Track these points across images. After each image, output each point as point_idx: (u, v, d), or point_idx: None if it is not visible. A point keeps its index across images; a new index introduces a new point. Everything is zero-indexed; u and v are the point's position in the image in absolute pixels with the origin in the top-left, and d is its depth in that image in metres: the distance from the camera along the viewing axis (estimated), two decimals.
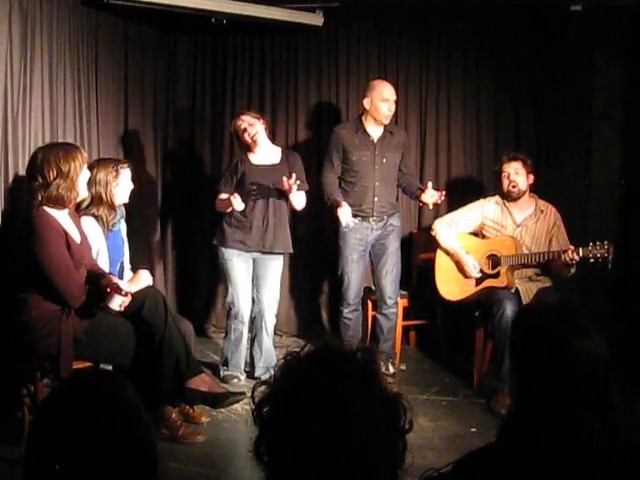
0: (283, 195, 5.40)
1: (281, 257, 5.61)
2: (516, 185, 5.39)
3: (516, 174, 5.39)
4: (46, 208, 4.00)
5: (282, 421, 1.47)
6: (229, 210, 5.33)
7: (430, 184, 5.49)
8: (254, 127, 5.40)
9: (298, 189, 5.31)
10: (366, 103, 5.57)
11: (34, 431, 1.60)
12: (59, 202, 4.03)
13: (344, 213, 5.40)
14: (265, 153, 5.49)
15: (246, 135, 5.39)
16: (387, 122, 5.61)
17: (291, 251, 5.69)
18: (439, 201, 5.47)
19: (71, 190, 4.05)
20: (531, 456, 1.83)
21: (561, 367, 1.90)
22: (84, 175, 4.15)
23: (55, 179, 3.99)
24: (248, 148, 5.46)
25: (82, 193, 4.19)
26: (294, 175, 5.22)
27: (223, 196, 5.42)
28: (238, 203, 5.19)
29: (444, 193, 5.45)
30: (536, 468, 1.82)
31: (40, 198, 3.99)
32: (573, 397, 1.87)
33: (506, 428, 1.96)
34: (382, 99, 5.53)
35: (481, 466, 1.90)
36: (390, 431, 1.48)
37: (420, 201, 5.58)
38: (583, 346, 1.91)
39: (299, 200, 5.42)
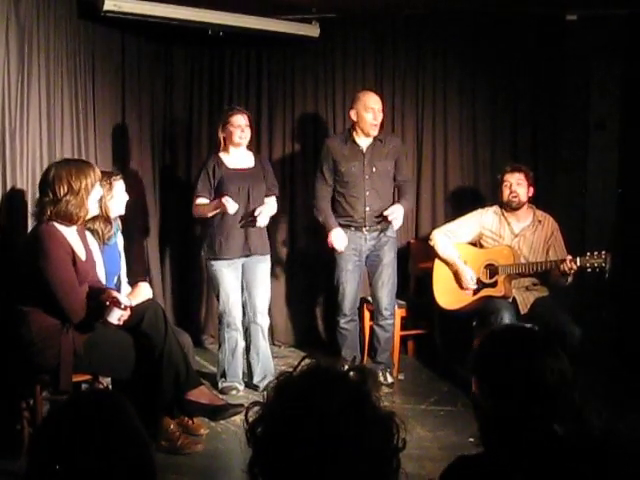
0: (259, 198, 5.46)
1: (268, 258, 5.64)
2: (517, 196, 5.41)
3: (518, 185, 5.42)
4: (55, 223, 4.01)
5: (274, 442, 1.48)
6: (211, 214, 5.35)
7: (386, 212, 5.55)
8: (248, 131, 5.46)
9: (269, 195, 5.55)
10: (353, 115, 5.61)
11: (33, 450, 1.61)
12: (67, 218, 4.04)
13: (337, 239, 5.53)
14: (240, 156, 5.52)
15: (239, 132, 5.41)
16: (375, 133, 5.61)
17: (269, 253, 5.71)
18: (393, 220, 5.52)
19: (80, 207, 4.05)
20: (514, 464, 1.88)
21: (523, 384, 1.97)
22: (95, 193, 4.16)
23: (65, 195, 4.00)
24: (224, 145, 5.48)
25: (92, 211, 4.19)
26: (259, 214, 5.38)
27: (204, 200, 5.42)
28: (232, 205, 5.20)
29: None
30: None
31: (49, 213, 4.00)
32: (538, 411, 1.95)
33: (486, 437, 2.01)
34: (366, 108, 5.55)
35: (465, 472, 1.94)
36: (383, 450, 1.49)
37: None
38: (541, 363, 1.99)
39: (270, 211, 5.54)
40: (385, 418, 1.52)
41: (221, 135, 5.47)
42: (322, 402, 1.46)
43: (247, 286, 5.56)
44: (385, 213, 5.49)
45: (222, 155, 5.49)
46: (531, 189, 5.49)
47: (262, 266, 5.58)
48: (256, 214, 5.37)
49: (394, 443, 1.51)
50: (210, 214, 5.38)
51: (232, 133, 5.41)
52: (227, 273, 5.45)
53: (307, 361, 1.59)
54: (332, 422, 1.44)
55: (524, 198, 5.45)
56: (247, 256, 5.48)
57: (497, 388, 2.00)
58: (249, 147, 5.60)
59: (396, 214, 5.48)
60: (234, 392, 5.48)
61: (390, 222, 5.52)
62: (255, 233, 5.46)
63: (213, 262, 5.46)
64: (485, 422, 2.02)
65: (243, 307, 5.58)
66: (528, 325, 2.25)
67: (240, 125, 5.42)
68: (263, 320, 5.60)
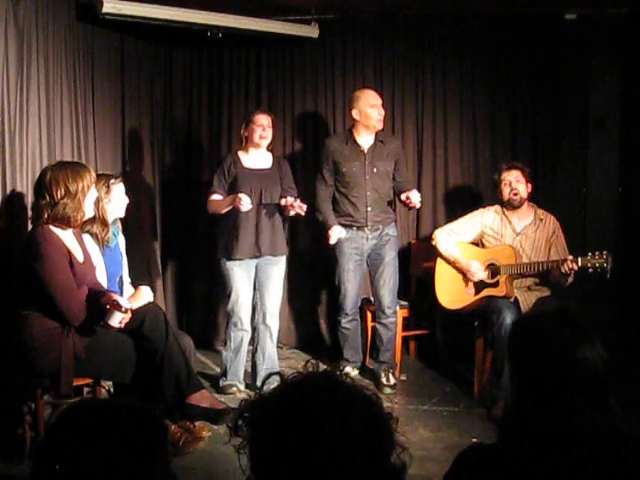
0: (274, 199, 5.43)
1: (283, 260, 5.62)
2: (518, 193, 5.40)
3: (517, 182, 5.41)
4: (51, 227, 3.99)
5: (261, 436, 1.52)
6: (224, 211, 5.34)
7: (403, 196, 5.59)
8: (270, 132, 5.46)
9: (285, 197, 5.39)
10: (355, 114, 5.60)
11: (40, 455, 1.60)
12: (64, 221, 4.02)
13: (334, 233, 5.52)
14: (258, 157, 5.52)
15: (260, 130, 5.41)
16: (381, 126, 5.64)
17: (286, 253, 5.68)
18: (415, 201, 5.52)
19: (77, 210, 4.05)
20: (533, 454, 1.85)
21: (560, 372, 1.92)
22: (91, 195, 4.15)
23: (62, 198, 3.99)
24: (245, 145, 5.49)
25: (88, 213, 4.19)
26: (296, 201, 5.30)
27: (218, 197, 5.43)
28: (246, 202, 5.17)
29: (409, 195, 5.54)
30: (537, 466, 1.84)
31: (46, 216, 3.98)
32: (573, 400, 1.89)
33: (506, 427, 1.97)
34: (370, 105, 5.56)
35: (480, 461, 1.92)
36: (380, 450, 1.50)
37: (410, 207, 5.69)
38: (583, 352, 1.93)
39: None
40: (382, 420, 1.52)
41: (244, 134, 5.50)
42: (315, 408, 1.48)
43: (259, 287, 5.54)
44: (403, 197, 5.55)
45: (240, 154, 5.51)
46: (529, 185, 5.47)
47: (276, 268, 5.55)
48: (286, 203, 5.32)
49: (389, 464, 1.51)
50: (223, 210, 5.36)
51: (253, 131, 5.42)
52: (238, 272, 5.44)
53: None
54: (314, 429, 1.46)
55: (524, 195, 5.44)
56: (258, 257, 5.45)
57: (532, 378, 1.95)
58: (269, 148, 5.59)
59: (414, 195, 5.52)
60: (234, 389, 5.48)
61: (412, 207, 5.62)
62: (267, 233, 5.43)
63: (226, 261, 5.45)
64: (510, 411, 1.98)
65: (253, 308, 5.57)
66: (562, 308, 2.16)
67: (262, 124, 5.42)
68: (272, 322, 5.58)
